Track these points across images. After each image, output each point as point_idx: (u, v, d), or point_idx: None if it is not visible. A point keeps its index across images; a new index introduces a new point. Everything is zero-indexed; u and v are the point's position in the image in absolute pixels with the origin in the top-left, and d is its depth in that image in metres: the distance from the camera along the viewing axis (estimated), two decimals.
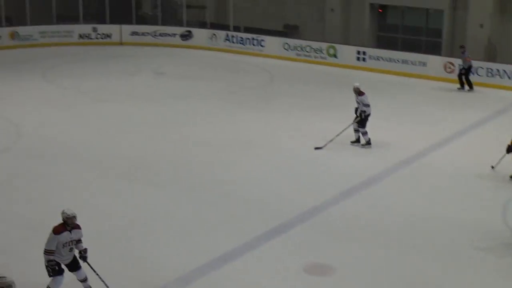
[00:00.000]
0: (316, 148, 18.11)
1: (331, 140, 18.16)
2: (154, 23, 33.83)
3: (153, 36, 32.75)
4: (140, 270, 11.75)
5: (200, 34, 32.51)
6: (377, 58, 28.12)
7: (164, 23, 33.74)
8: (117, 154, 17.66)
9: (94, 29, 32.74)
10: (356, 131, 18.45)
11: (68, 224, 10.48)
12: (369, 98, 18.34)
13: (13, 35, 31.32)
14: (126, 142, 18.70)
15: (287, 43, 30.33)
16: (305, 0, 31.94)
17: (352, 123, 18.38)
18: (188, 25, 33.22)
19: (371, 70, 27.98)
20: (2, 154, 17.68)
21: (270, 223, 13.66)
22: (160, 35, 32.81)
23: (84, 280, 10.87)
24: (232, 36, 31.75)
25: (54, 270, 10.41)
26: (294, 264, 12.04)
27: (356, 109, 18.36)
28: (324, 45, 29.52)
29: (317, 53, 29.55)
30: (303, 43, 30.04)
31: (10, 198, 14.83)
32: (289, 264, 12.08)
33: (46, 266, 10.44)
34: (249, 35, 31.33)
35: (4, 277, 8.64)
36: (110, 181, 15.93)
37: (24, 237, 12.80)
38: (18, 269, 10.96)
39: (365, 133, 18.34)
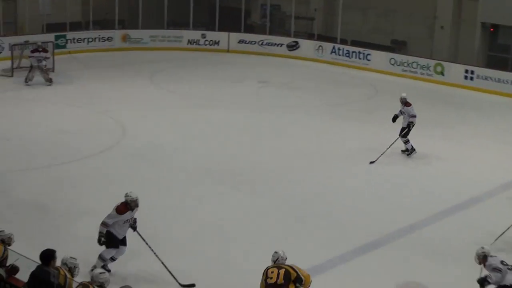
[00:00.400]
0: (371, 162, 18.00)
1: (382, 153, 18.09)
2: (262, 32, 34.05)
3: (260, 45, 33.00)
4: (227, 277, 11.86)
5: (307, 45, 32.51)
6: (486, 78, 27.44)
7: (272, 32, 33.91)
8: (212, 160, 17.85)
9: (203, 36, 33.26)
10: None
11: (131, 205, 11.24)
12: (415, 109, 18.67)
13: (125, 38, 32.18)
14: (222, 148, 18.88)
15: (393, 58, 29.98)
16: (415, 16, 31.51)
17: (401, 135, 18.56)
18: (295, 35, 33.27)
19: (478, 90, 27.32)
20: (104, 153, 18.14)
21: (363, 239, 13.56)
22: (267, 44, 33.03)
23: (114, 259, 11.51)
24: (339, 49, 31.60)
25: (100, 241, 11.19)
26: (386, 282, 11.90)
27: (395, 117, 18.73)
28: (431, 62, 29.03)
29: (423, 70, 29.10)
30: (410, 59, 29.62)
31: (102, 196, 14.81)
32: (382, 281, 11.93)
33: (99, 237, 11.21)
34: (356, 49, 31.09)
35: (103, 272, 9.37)
36: (200, 186, 16.13)
37: None
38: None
39: (407, 142, 18.57)
